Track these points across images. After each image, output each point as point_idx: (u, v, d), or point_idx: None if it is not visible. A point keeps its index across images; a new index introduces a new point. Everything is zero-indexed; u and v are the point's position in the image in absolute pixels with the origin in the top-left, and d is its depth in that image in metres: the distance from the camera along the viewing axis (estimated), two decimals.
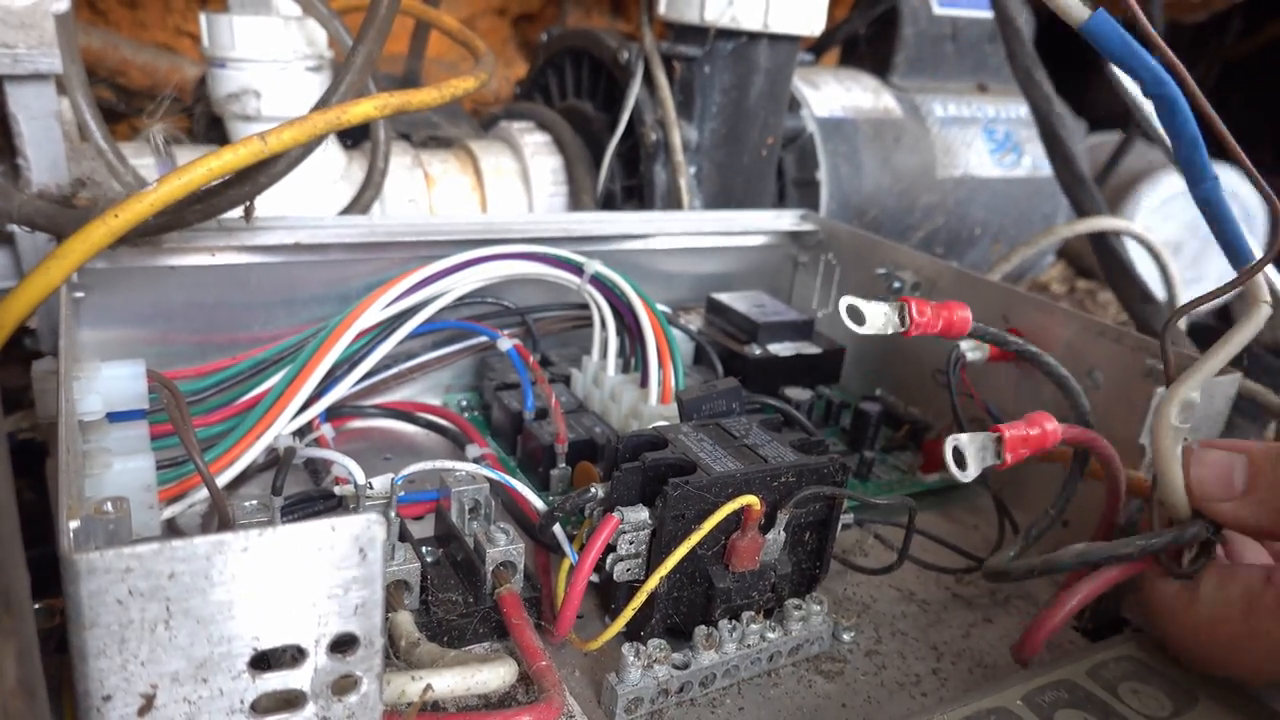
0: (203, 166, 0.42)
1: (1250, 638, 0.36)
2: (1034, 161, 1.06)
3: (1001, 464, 0.40)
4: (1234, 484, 0.38)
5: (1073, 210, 0.78)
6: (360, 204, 0.71)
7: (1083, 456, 0.46)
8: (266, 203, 0.52)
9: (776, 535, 0.41)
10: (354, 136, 0.79)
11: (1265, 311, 0.41)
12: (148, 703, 0.25)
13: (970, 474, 0.39)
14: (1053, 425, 0.41)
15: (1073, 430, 0.42)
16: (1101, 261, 0.75)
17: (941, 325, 0.43)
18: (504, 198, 0.81)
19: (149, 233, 0.49)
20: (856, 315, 0.41)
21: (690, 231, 0.70)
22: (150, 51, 0.97)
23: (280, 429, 0.50)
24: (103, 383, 0.43)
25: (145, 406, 0.45)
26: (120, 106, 0.93)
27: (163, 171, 0.68)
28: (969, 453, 0.39)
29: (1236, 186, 1.37)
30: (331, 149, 0.74)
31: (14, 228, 0.55)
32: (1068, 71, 0.73)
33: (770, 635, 0.41)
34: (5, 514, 0.19)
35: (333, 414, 0.55)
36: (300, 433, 0.52)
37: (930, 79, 1.05)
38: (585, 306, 0.60)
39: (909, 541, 0.45)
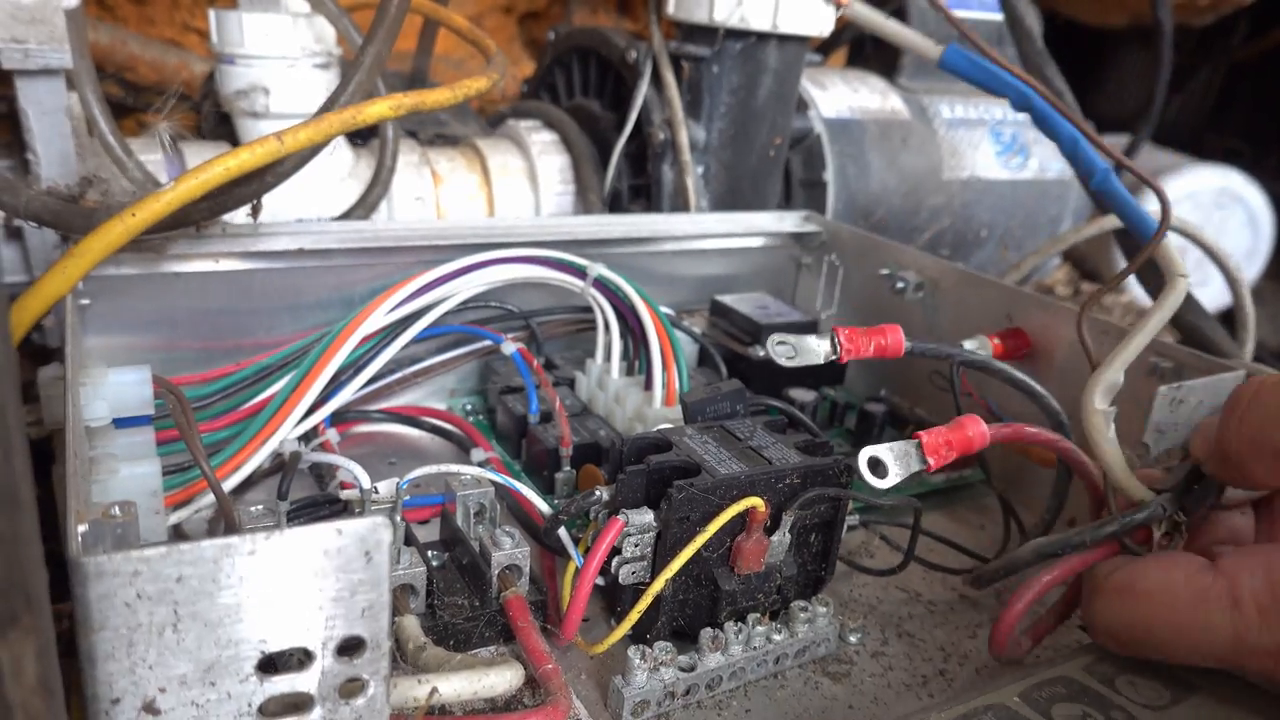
0: (219, 166, 0.42)
1: (1191, 628, 0.35)
2: (1040, 164, 1.06)
3: (927, 468, 0.40)
4: None
5: (1092, 205, 0.77)
6: (367, 202, 0.71)
7: (1064, 467, 0.47)
8: (275, 200, 0.52)
9: (782, 537, 0.41)
10: (362, 134, 0.79)
11: (1182, 284, 0.41)
12: (151, 706, 0.25)
13: (890, 481, 0.40)
14: (979, 428, 0.41)
15: (1004, 429, 0.42)
16: (1129, 256, 0.75)
17: (874, 348, 0.43)
18: (511, 196, 0.81)
19: (156, 231, 0.49)
20: (789, 352, 0.42)
21: (693, 234, 0.70)
22: (158, 47, 0.97)
23: (285, 434, 0.50)
24: (109, 388, 0.43)
25: (151, 412, 0.45)
26: (128, 102, 0.93)
27: (170, 168, 0.68)
28: (888, 460, 0.40)
29: (1240, 190, 1.36)
30: (340, 147, 0.74)
31: (22, 223, 0.55)
32: (1070, 76, 0.74)
33: (776, 637, 0.41)
34: (26, 511, 0.19)
35: (337, 419, 0.55)
36: (305, 438, 0.52)
37: (937, 80, 1.04)
38: (589, 310, 0.60)
39: (914, 542, 0.45)
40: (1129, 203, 0.42)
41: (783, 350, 0.43)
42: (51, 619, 0.22)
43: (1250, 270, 1.42)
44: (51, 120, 0.54)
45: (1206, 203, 1.34)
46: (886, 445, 0.40)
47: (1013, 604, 0.41)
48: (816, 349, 0.43)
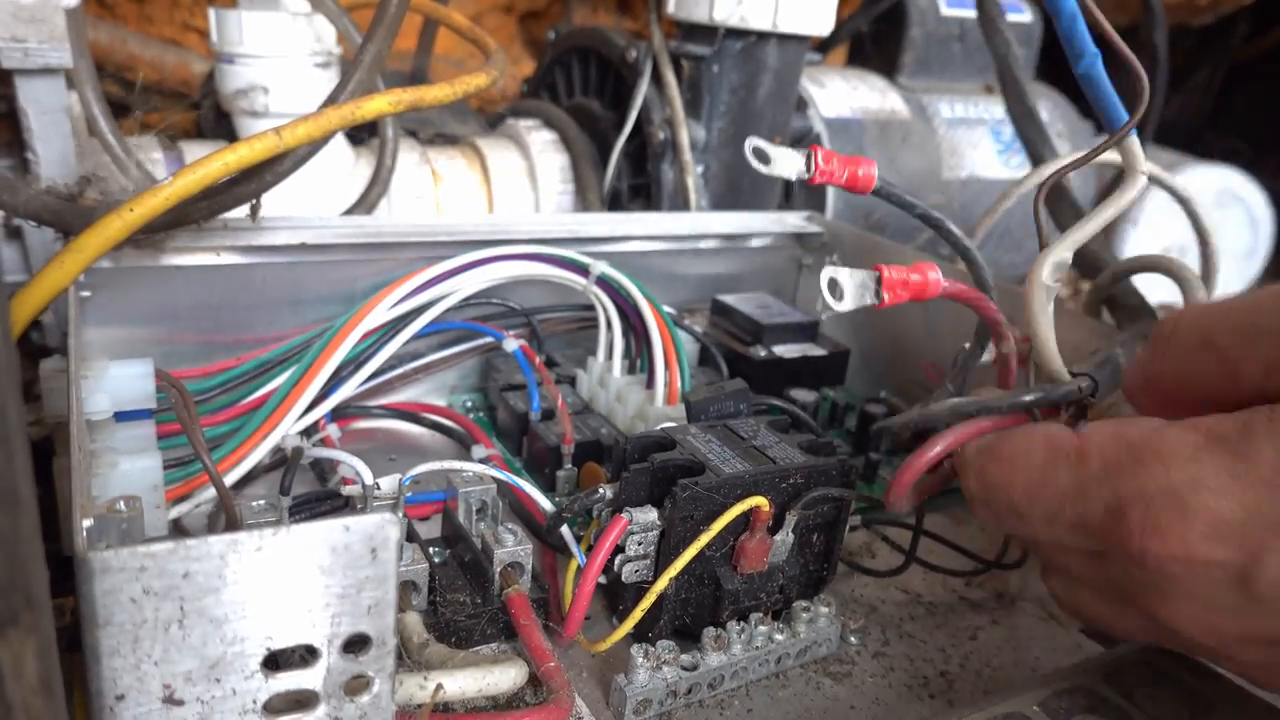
0: (218, 161, 0.42)
1: (1039, 483, 0.35)
2: None
3: (880, 303, 0.39)
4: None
5: (1091, 204, 0.77)
6: (367, 201, 0.71)
7: (983, 334, 0.48)
8: (275, 198, 0.52)
9: (785, 537, 0.41)
10: (361, 133, 0.79)
11: (1141, 180, 0.41)
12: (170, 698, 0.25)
13: (845, 306, 0.39)
14: (935, 275, 0.40)
15: (955, 286, 0.42)
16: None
17: (846, 177, 0.42)
18: (511, 195, 0.81)
19: (155, 229, 0.49)
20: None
21: (695, 233, 0.70)
22: (158, 46, 0.97)
23: (286, 429, 0.50)
24: (111, 382, 0.43)
25: (153, 406, 0.45)
26: (128, 101, 0.93)
27: (170, 167, 0.68)
28: (846, 286, 0.39)
29: (1240, 190, 1.37)
30: (340, 146, 0.74)
31: (22, 222, 0.55)
32: (1071, 75, 0.74)
33: (778, 637, 0.41)
34: (25, 510, 0.19)
35: (338, 414, 0.55)
36: (306, 433, 0.52)
37: (937, 79, 1.04)
38: (591, 308, 0.60)
39: (916, 544, 0.45)
40: (1107, 90, 0.43)
41: (757, 155, 0.42)
42: (52, 617, 0.21)
43: (1249, 269, 1.43)
44: (51, 119, 0.54)
45: (1207, 202, 1.34)
46: (848, 270, 0.39)
47: (916, 458, 0.40)
48: (792, 161, 0.42)
